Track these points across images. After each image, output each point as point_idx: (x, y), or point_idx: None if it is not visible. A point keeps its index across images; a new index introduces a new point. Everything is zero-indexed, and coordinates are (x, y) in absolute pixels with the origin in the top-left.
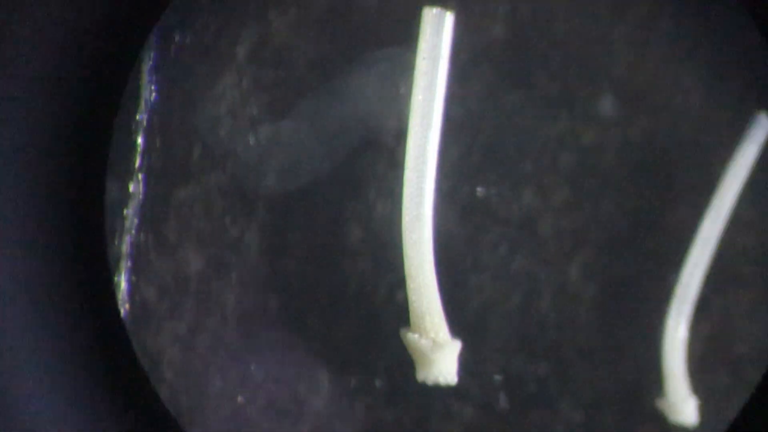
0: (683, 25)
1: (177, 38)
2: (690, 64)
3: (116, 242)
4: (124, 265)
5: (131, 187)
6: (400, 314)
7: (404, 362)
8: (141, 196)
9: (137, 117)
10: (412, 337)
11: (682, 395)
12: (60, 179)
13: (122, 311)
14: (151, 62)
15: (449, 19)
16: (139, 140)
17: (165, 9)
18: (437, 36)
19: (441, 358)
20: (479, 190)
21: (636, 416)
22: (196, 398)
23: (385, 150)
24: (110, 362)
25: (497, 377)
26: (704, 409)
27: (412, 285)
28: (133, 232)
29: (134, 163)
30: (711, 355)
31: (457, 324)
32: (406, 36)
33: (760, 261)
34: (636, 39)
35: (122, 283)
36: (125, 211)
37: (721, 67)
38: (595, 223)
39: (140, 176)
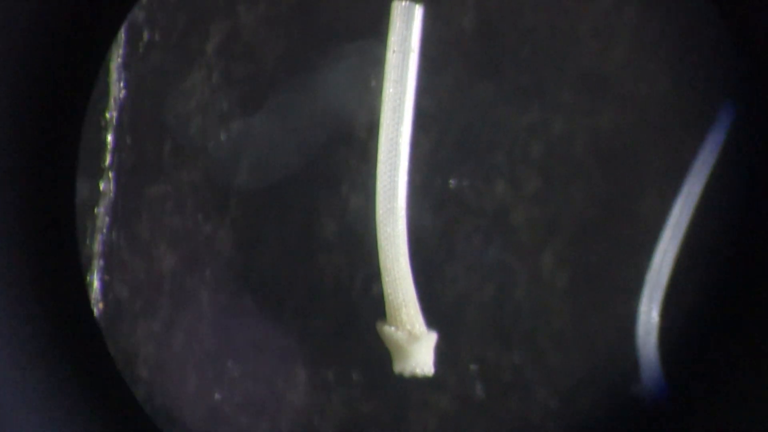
0: (649, 13)
1: (146, 34)
2: (657, 52)
3: (88, 241)
4: (97, 264)
5: (102, 186)
6: (376, 307)
7: (381, 355)
8: (112, 195)
9: (107, 115)
10: (388, 330)
11: (655, 379)
12: (30, 179)
13: (95, 311)
14: (120, 59)
15: (419, 11)
16: (109, 138)
17: (133, 5)
18: (407, 28)
19: (417, 350)
20: (452, 182)
21: (611, 401)
22: (172, 396)
23: (357, 143)
24: (84, 362)
25: (473, 367)
26: (677, 391)
27: (387, 278)
28: (105, 230)
29: (104, 162)
30: (683, 339)
31: (433, 315)
32: (376, 29)
33: (728, 246)
34: (603, 28)
35: (95, 282)
36: (96, 210)
37: (688, 55)
38: (566, 212)
39: (111, 174)
